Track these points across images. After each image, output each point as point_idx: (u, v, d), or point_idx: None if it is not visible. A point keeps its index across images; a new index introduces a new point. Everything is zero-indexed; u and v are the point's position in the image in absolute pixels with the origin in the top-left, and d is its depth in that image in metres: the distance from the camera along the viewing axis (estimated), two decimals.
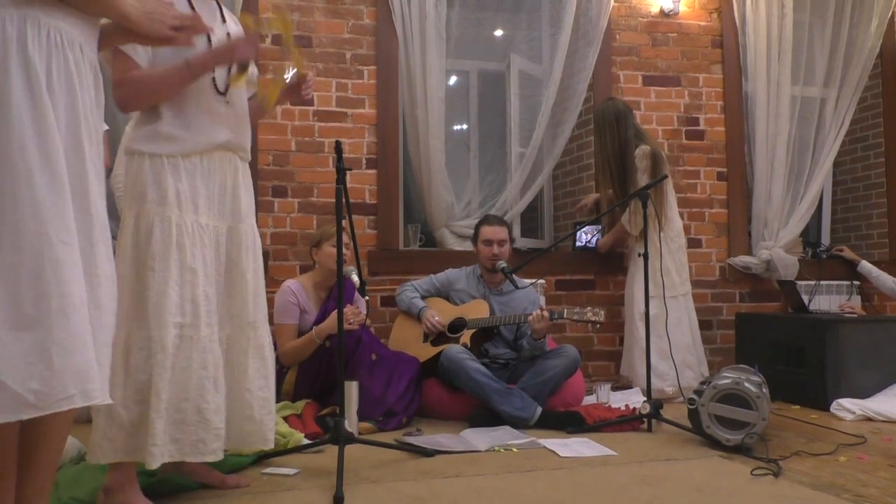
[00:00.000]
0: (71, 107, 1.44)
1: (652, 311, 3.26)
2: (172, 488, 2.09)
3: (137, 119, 2.05)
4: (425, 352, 3.37)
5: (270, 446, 2.19)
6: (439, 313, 3.47)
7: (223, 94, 2.09)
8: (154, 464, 1.87)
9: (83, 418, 2.61)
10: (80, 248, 1.42)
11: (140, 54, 1.96)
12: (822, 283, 4.41)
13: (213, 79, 2.06)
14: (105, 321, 1.50)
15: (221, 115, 2.09)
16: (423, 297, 3.58)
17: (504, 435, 2.86)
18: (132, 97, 1.98)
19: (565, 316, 3.19)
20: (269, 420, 2.15)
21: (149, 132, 2.00)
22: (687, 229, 4.18)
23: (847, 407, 3.33)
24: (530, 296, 3.52)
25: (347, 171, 2.49)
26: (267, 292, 3.60)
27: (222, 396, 2.02)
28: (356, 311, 3.07)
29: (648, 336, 3.10)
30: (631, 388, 3.84)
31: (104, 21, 1.62)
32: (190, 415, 1.94)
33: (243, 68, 2.07)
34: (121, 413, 1.88)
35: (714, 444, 2.68)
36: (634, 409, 3.19)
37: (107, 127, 3.34)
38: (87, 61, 1.50)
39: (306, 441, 2.61)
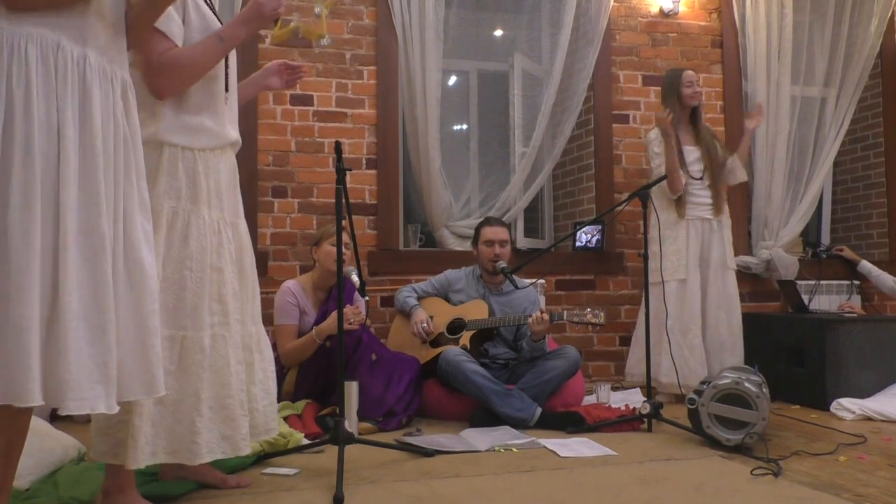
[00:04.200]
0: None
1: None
2: (172, 490, 2.09)
3: (160, 110, 1.94)
4: (425, 353, 3.37)
5: (274, 434, 2.23)
6: (437, 314, 3.47)
7: (227, 90, 2.09)
8: (197, 461, 1.91)
9: (83, 418, 2.62)
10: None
11: (176, 33, 1.91)
12: (822, 282, 4.41)
13: (227, 74, 2.06)
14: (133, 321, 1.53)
15: (228, 112, 2.09)
16: (421, 298, 3.58)
17: (504, 435, 2.86)
18: (174, 80, 1.91)
19: (565, 318, 3.19)
20: (271, 410, 2.16)
21: (182, 124, 1.95)
22: None
23: (847, 407, 3.33)
24: (530, 296, 3.52)
25: (347, 172, 2.49)
26: (266, 293, 3.64)
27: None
28: (356, 311, 3.07)
29: (648, 333, 3.10)
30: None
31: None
32: (236, 410, 1.98)
33: (279, 23, 2.00)
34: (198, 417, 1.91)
35: (714, 443, 2.68)
36: (634, 408, 3.19)
37: None
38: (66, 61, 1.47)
39: (306, 441, 2.62)
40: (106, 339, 1.47)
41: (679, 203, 3.71)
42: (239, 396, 2.00)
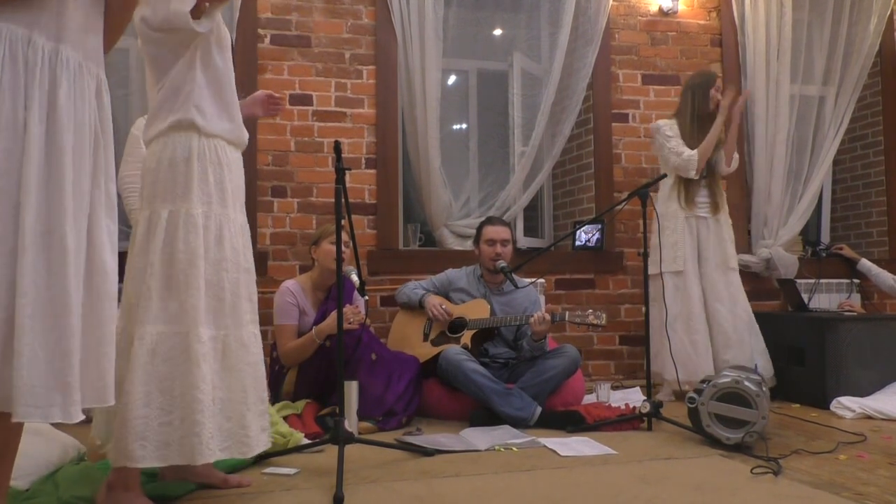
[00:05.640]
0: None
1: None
2: (172, 490, 2.09)
3: (201, 98, 1.99)
4: (425, 352, 3.37)
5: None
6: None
7: None
8: (249, 455, 2.01)
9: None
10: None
11: None
12: (822, 281, 4.41)
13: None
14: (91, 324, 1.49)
15: None
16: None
17: (504, 434, 2.86)
18: None
19: (567, 319, 3.19)
20: None
21: (221, 113, 2.03)
22: None
23: (847, 405, 3.33)
24: (531, 295, 3.52)
25: (347, 171, 2.50)
26: (266, 293, 3.64)
27: None
28: (356, 311, 3.07)
29: (648, 330, 3.10)
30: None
31: None
32: (267, 405, 2.11)
33: None
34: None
35: (714, 442, 2.68)
36: (634, 407, 3.19)
37: None
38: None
39: (306, 441, 2.62)
40: (64, 344, 1.40)
41: (683, 196, 3.76)
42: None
